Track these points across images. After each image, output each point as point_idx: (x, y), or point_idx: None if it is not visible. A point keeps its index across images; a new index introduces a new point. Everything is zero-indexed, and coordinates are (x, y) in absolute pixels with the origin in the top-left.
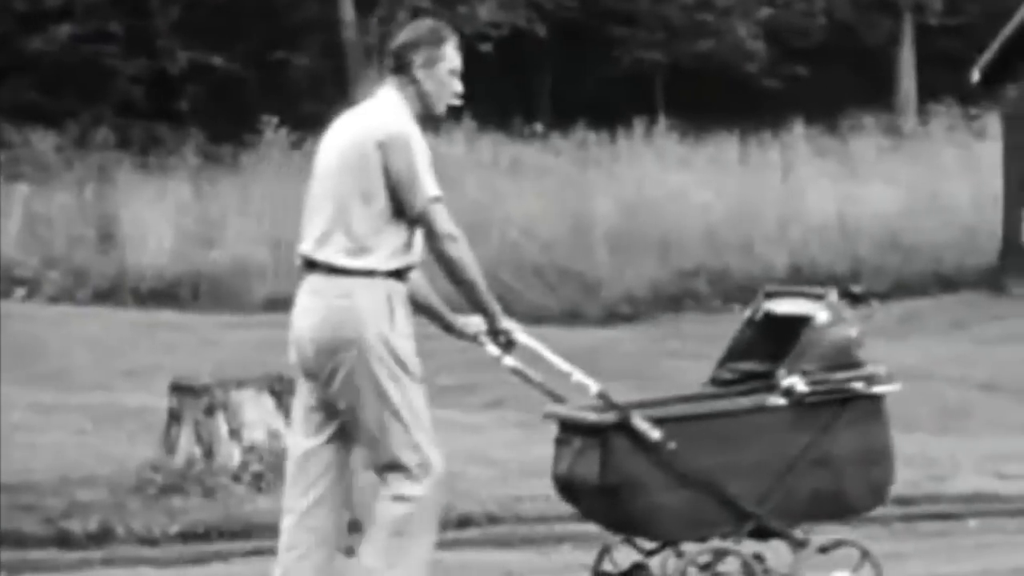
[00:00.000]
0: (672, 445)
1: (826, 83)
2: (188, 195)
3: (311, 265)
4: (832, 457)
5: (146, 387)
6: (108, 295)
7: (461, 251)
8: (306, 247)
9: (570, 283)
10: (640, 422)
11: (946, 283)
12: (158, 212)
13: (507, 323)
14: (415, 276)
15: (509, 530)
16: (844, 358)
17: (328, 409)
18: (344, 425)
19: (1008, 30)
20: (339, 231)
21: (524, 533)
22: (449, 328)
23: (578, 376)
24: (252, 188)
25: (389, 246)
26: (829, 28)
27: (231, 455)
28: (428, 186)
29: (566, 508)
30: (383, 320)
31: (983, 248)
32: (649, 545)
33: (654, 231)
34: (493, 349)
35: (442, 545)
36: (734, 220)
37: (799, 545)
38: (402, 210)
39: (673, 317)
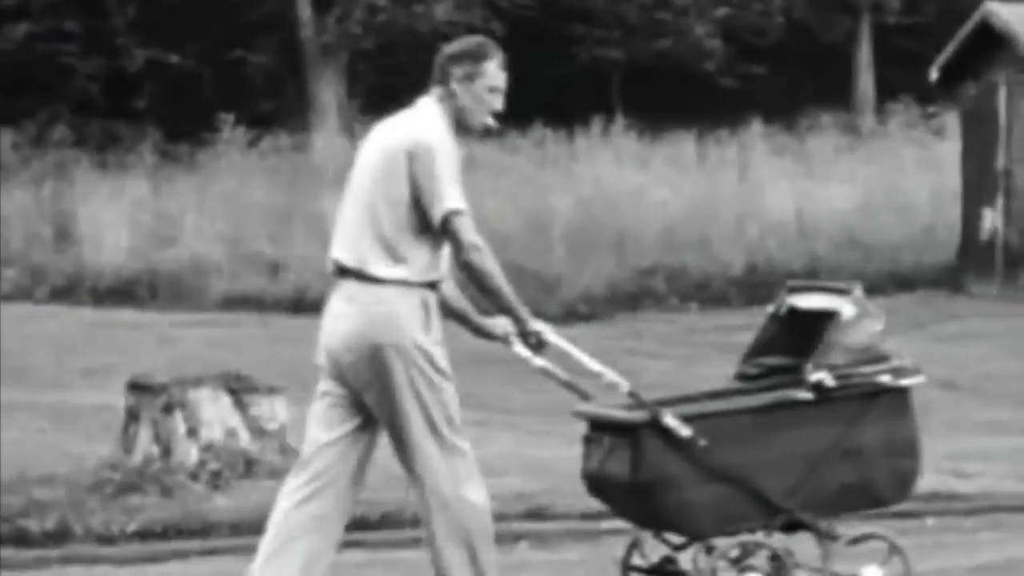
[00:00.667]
0: (703, 442)
1: (784, 82)
2: (145, 193)
3: (342, 271)
4: (860, 450)
5: (104, 386)
6: (66, 293)
7: (485, 261)
8: (338, 253)
9: (527, 281)
10: (671, 420)
11: (904, 282)
12: (115, 210)
13: (536, 325)
14: (446, 282)
15: None
16: (870, 352)
17: (351, 406)
18: (367, 423)
19: (966, 28)
20: (370, 239)
21: None
22: (479, 331)
23: (610, 375)
24: (209, 186)
25: (421, 256)
26: (787, 27)
27: (189, 454)
28: (449, 198)
29: (521, 506)
30: (418, 326)
31: (942, 247)
32: (678, 539)
33: (612, 229)
34: (523, 350)
35: (399, 544)
36: (691, 218)
37: (829, 538)
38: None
39: (630, 315)
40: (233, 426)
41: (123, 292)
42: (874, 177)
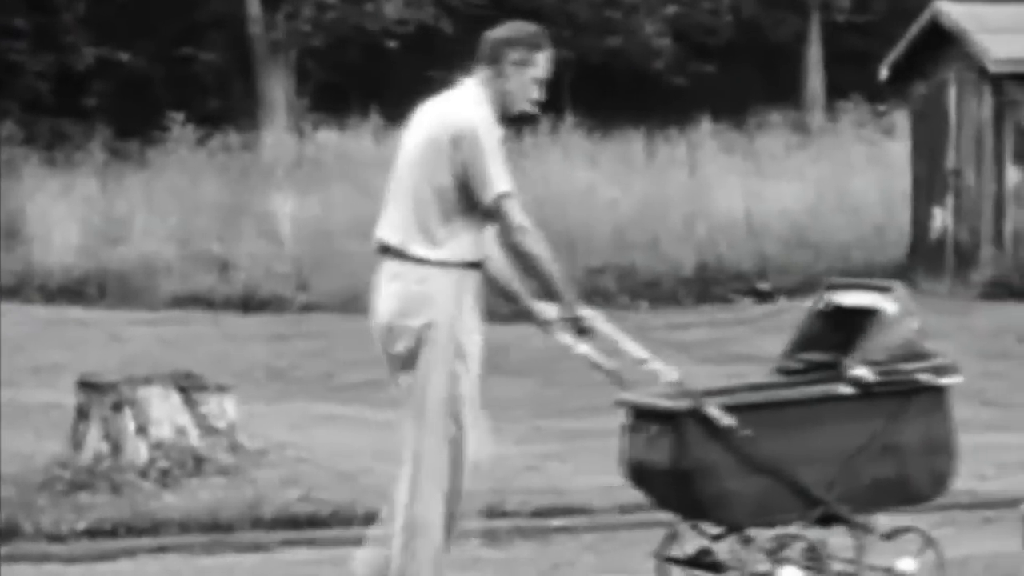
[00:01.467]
0: (745, 432)
1: (733, 80)
2: (95, 191)
3: (386, 249)
4: (898, 446)
5: (53, 384)
6: (15, 292)
7: (534, 243)
8: (384, 233)
9: None
10: (713, 409)
11: None
12: (64, 208)
13: (584, 311)
14: (498, 261)
15: None
16: (911, 349)
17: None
18: None
19: (915, 27)
20: (413, 221)
21: None
22: (528, 313)
23: (653, 363)
24: (158, 184)
25: (464, 238)
26: (736, 26)
27: (138, 452)
28: (497, 181)
29: (472, 504)
30: (453, 305)
31: (892, 245)
32: (715, 530)
33: (561, 228)
34: (565, 337)
35: (351, 541)
36: (641, 217)
37: (865, 532)
38: (474, 203)
39: None
40: (183, 424)
41: (72, 290)
42: (824, 176)
